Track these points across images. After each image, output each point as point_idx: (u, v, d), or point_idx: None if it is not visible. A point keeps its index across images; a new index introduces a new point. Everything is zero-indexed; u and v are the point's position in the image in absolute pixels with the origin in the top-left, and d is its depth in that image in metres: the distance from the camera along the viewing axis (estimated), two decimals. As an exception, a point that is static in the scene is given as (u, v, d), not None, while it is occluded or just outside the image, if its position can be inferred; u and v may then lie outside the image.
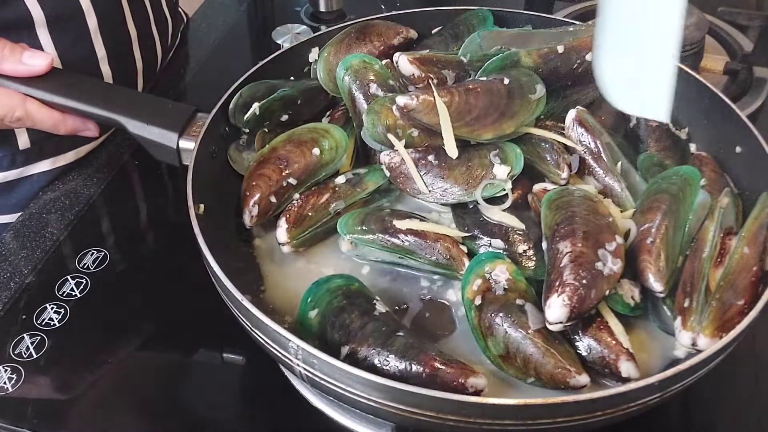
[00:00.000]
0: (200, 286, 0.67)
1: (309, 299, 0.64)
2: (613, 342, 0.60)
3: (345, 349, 0.60)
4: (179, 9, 1.09)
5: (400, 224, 0.67)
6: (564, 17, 0.90)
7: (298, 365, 0.56)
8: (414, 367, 0.57)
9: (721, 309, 0.59)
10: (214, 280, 0.62)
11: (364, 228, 0.67)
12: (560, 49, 0.77)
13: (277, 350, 0.57)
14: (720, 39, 1.07)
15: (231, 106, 0.75)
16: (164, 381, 0.70)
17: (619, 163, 0.71)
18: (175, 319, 0.75)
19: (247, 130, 0.76)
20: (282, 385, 0.68)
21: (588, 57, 0.77)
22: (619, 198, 0.70)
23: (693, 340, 0.58)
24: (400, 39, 0.84)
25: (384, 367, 0.58)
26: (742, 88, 0.96)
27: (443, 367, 0.57)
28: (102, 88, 0.77)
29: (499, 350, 0.60)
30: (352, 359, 0.59)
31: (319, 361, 0.54)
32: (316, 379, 0.56)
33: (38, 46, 0.79)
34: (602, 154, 0.71)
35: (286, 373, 0.67)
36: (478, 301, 0.62)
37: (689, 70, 0.77)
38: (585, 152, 0.72)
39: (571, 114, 0.73)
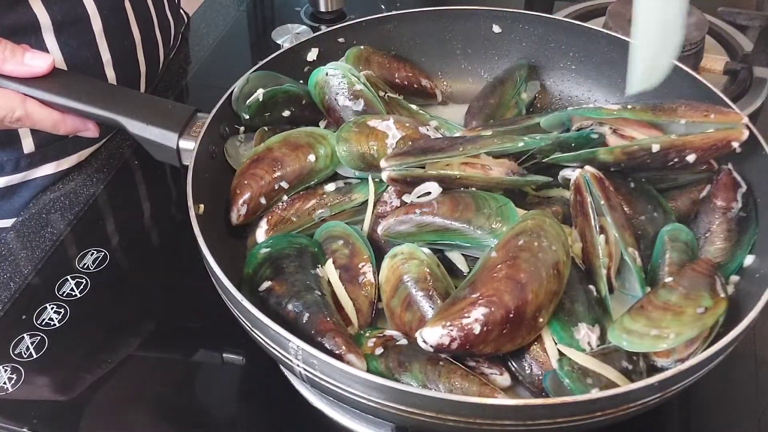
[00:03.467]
0: (200, 286, 0.67)
1: (270, 240, 0.68)
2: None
3: (266, 284, 0.63)
4: (180, 10, 1.09)
5: None
6: (564, 17, 0.90)
7: (298, 365, 0.56)
8: (308, 321, 0.60)
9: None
10: (214, 280, 0.62)
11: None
12: (655, 148, 0.67)
13: (277, 350, 0.57)
14: (720, 39, 1.07)
15: (236, 91, 0.75)
16: (164, 381, 0.70)
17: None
18: (175, 319, 0.75)
19: (247, 116, 0.75)
20: (282, 385, 0.68)
21: (689, 158, 0.67)
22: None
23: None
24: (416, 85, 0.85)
25: (287, 311, 0.61)
26: (742, 88, 0.96)
27: (332, 333, 0.58)
28: (102, 88, 0.77)
29: (421, 380, 0.59)
30: (269, 294, 0.63)
31: (319, 361, 0.54)
32: (316, 379, 0.56)
33: (44, 51, 0.79)
34: (590, 216, 0.65)
35: (286, 373, 0.67)
36: (378, 351, 0.61)
37: (689, 70, 0.77)
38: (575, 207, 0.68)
39: (575, 174, 0.67)
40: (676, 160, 0.67)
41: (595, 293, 0.64)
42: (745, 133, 0.67)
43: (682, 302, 0.59)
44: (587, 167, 0.67)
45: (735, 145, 0.67)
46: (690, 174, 0.72)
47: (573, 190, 0.68)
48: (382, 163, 0.67)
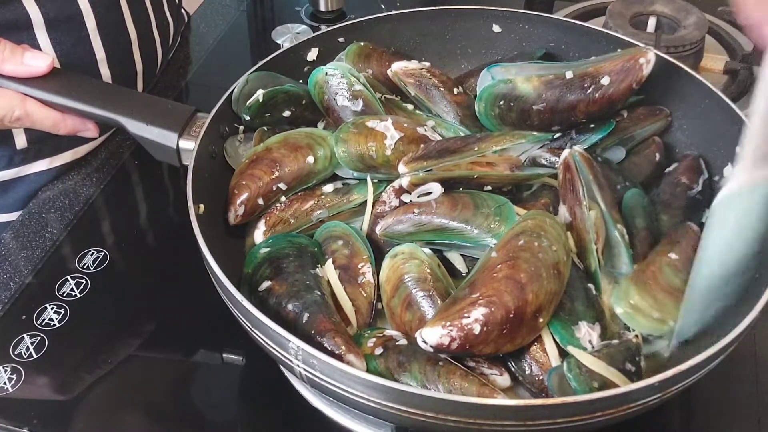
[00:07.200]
0: (200, 286, 0.67)
1: (270, 240, 0.68)
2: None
3: (266, 284, 0.64)
4: (182, 9, 1.09)
5: None
6: (564, 17, 0.90)
7: (298, 365, 0.56)
8: (307, 321, 0.60)
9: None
10: (214, 280, 0.62)
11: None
12: (569, 74, 0.71)
13: (277, 350, 0.57)
14: (720, 39, 1.07)
15: (236, 92, 0.75)
16: (164, 381, 0.70)
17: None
18: (175, 320, 0.75)
19: (247, 117, 0.75)
20: (282, 385, 0.68)
21: (603, 81, 0.72)
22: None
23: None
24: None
25: (287, 311, 0.61)
26: (742, 88, 0.96)
27: (331, 333, 0.58)
28: (102, 88, 0.77)
29: (421, 380, 0.59)
30: (268, 294, 0.63)
31: (319, 361, 0.54)
32: (316, 379, 0.56)
33: (37, 48, 0.79)
34: (579, 193, 0.66)
35: (286, 373, 0.67)
36: (378, 351, 0.60)
37: (689, 70, 0.77)
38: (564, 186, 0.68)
39: (564, 153, 0.68)
40: (593, 86, 0.72)
41: (594, 291, 0.64)
42: (650, 53, 0.72)
43: (684, 288, 0.61)
44: (575, 147, 0.69)
45: (642, 61, 0.72)
46: (649, 123, 0.77)
47: (562, 167, 0.68)
48: (401, 168, 0.67)
